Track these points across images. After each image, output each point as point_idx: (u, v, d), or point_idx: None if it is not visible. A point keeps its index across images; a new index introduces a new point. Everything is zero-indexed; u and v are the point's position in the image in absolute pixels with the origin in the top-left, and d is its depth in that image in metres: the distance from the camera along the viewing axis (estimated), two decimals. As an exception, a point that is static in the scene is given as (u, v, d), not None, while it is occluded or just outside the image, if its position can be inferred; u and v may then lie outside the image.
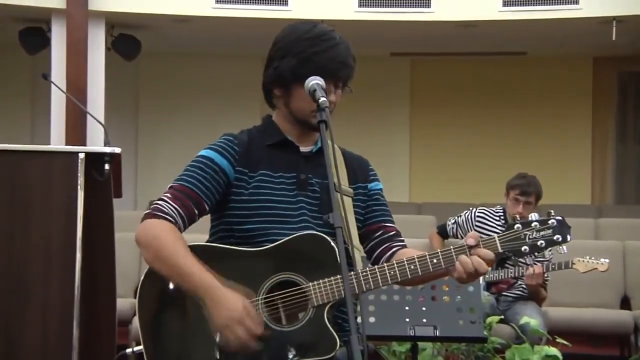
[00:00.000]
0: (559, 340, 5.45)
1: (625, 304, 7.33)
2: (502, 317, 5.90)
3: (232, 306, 2.50)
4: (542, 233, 2.64)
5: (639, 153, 12.31)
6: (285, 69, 2.72)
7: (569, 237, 2.66)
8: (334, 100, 2.72)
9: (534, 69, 12.04)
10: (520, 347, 5.22)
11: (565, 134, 12.07)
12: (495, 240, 2.63)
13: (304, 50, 2.71)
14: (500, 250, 2.63)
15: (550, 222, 2.66)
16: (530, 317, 5.70)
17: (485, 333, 4.83)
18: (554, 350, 5.17)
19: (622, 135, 12.28)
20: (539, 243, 2.64)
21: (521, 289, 6.34)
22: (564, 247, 2.71)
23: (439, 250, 2.65)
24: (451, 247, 2.63)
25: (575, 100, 12.09)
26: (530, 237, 2.64)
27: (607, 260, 5.68)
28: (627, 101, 12.29)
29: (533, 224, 2.65)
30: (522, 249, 2.64)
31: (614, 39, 9.58)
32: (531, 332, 5.54)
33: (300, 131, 2.80)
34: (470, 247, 2.61)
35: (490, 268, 2.71)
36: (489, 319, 5.43)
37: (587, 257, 5.87)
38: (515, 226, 2.65)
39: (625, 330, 6.87)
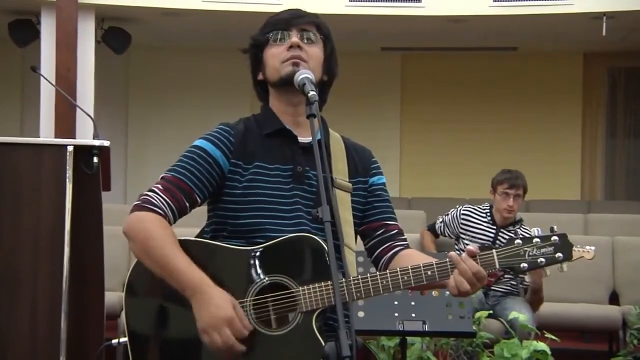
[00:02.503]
0: (547, 335, 5.46)
1: (614, 299, 7.35)
2: (491, 312, 5.91)
3: (220, 307, 2.44)
4: (542, 250, 2.52)
5: (629, 149, 12.33)
6: (251, 44, 2.75)
7: (570, 255, 2.54)
8: (296, 42, 2.66)
9: (525, 65, 12.06)
10: (509, 342, 5.22)
11: (555, 130, 12.09)
12: (493, 256, 2.52)
13: (264, 23, 2.76)
14: (497, 266, 2.52)
15: (552, 238, 2.54)
16: (519, 312, 5.71)
17: (474, 328, 4.84)
18: (542, 345, 5.17)
19: (612, 130, 12.31)
20: (538, 260, 2.52)
21: (510, 284, 6.36)
22: (565, 265, 2.59)
23: (433, 261, 2.55)
24: (447, 259, 2.53)
25: (566, 95, 12.11)
26: (530, 253, 2.52)
27: (592, 248, 5.66)
28: (617, 97, 12.32)
29: (534, 240, 2.53)
30: (521, 266, 2.52)
31: (604, 34, 9.60)
32: (520, 327, 5.55)
33: (292, 108, 2.72)
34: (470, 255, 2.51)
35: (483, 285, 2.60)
36: (477, 314, 5.44)
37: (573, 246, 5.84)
38: (516, 241, 2.53)
39: (614, 326, 6.88)
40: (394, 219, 2.83)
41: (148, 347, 2.63)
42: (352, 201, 2.74)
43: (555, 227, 2.57)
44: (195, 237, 2.74)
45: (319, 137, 2.45)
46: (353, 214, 2.73)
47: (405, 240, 2.81)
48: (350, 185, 2.74)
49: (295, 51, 2.66)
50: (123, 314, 2.62)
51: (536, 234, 2.56)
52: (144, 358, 2.61)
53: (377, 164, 2.85)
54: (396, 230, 2.81)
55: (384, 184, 2.85)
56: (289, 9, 2.76)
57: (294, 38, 2.67)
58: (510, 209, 6.28)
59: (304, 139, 2.71)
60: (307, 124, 2.61)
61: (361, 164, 2.81)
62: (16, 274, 3.86)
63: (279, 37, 2.69)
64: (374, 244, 2.80)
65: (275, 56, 2.67)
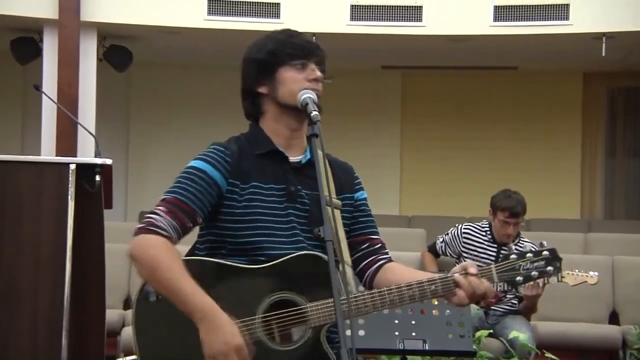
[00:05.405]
0: (547, 354, 5.46)
1: (613, 319, 7.34)
2: (491, 331, 5.90)
3: (232, 334, 2.46)
4: (535, 264, 2.73)
5: (628, 168, 12.35)
6: (265, 55, 2.74)
7: (560, 268, 2.75)
8: (321, 77, 2.73)
9: (525, 84, 12.09)
10: (508, 362, 5.22)
11: (555, 149, 12.11)
12: (491, 270, 2.70)
13: (278, 38, 2.77)
14: (496, 280, 2.69)
15: (543, 253, 2.74)
16: (519, 332, 5.69)
17: (474, 347, 4.83)
18: (542, 365, 5.17)
19: (612, 150, 12.33)
20: (532, 274, 2.73)
21: (510, 303, 6.35)
22: (555, 277, 2.78)
23: (437, 277, 2.67)
24: (450, 275, 2.66)
25: (565, 114, 12.13)
26: (525, 267, 2.72)
27: (596, 273, 5.69)
28: (616, 116, 12.35)
29: (527, 255, 2.73)
30: (517, 279, 2.72)
31: (603, 54, 9.62)
32: (520, 347, 5.54)
33: (290, 131, 2.75)
34: (468, 275, 2.65)
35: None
36: (478, 333, 5.43)
37: (577, 270, 5.86)
38: (511, 256, 2.72)
39: (614, 345, 6.88)
40: (377, 233, 2.93)
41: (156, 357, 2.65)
42: (342, 217, 2.80)
43: (544, 242, 2.79)
44: (187, 253, 2.77)
45: (310, 156, 2.54)
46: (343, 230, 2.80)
47: (387, 253, 2.90)
48: (339, 202, 2.81)
49: (318, 85, 2.72)
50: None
51: (529, 249, 2.75)
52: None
53: (359, 180, 2.94)
54: (380, 244, 2.90)
55: (366, 198, 2.93)
56: (302, 36, 2.79)
57: (318, 73, 2.73)
58: (509, 236, 6.27)
59: (294, 158, 2.78)
60: (299, 145, 2.77)
61: (346, 180, 2.88)
62: (18, 291, 3.87)
63: (300, 63, 2.72)
64: (358, 257, 2.87)
65: (297, 82, 2.70)
